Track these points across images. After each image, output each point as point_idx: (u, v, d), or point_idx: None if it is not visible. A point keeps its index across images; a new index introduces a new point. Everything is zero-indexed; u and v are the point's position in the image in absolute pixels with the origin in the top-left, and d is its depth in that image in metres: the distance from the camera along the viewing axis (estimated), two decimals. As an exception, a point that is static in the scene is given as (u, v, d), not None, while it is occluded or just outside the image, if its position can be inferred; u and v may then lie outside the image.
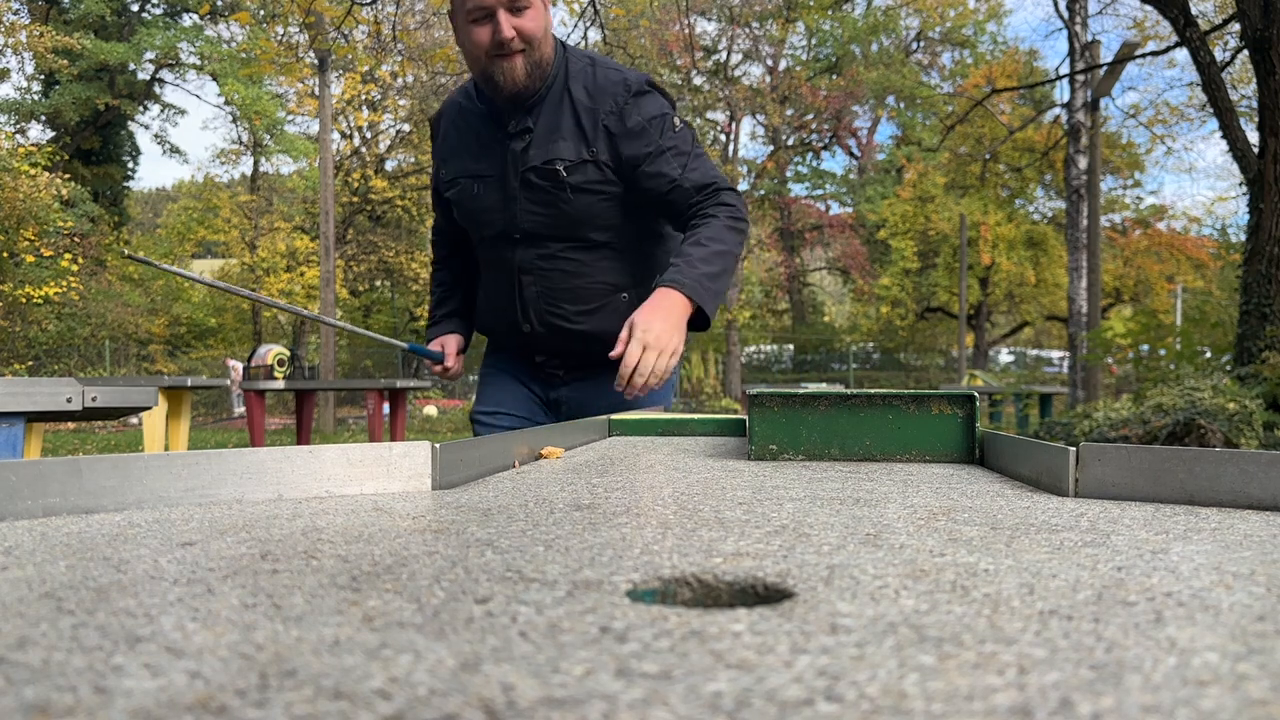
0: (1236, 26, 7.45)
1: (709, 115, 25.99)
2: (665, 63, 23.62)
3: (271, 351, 6.56)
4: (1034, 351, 30.75)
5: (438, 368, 1.99)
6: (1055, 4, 12.24)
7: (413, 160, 22.59)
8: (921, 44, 27.45)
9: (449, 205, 1.96)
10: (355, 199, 21.35)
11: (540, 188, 1.77)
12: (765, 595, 0.43)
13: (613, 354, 1.62)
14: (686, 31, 19.98)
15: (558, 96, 1.78)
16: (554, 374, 1.96)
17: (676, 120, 1.80)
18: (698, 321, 1.71)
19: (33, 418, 2.25)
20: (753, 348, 28.22)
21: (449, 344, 2.02)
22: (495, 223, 1.83)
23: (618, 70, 1.82)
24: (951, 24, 26.21)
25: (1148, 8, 11.92)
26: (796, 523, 0.62)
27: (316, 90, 14.09)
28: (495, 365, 2.05)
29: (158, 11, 22.13)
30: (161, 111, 23.38)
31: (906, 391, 1.12)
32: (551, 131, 1.76)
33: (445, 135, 1.92)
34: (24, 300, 16.78)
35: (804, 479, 0.89)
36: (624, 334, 1.62)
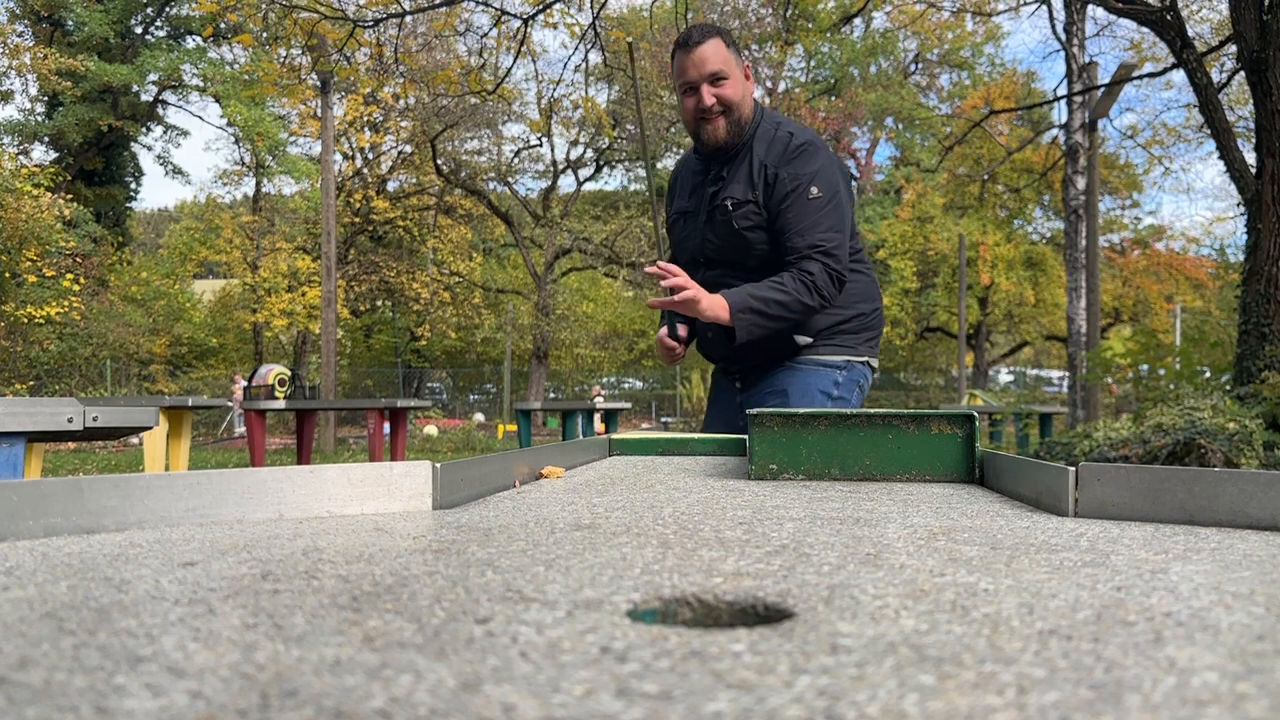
0: (1233, 48, 7.50)
1: (709, 136, 26.07)
2: (665, 85, 23.75)
3: (272, 371, 6.57)
4: (1033, 371, 30.75)
5: (678, 348, 2.35)
6: (1053, 26, 12.33)
7: (414, 181, 22.66)
8: (920, 66, 27.64)
9: None
10: (357, 219, 21.42)
11: (717, 221, 2.22)
12: (765, 615, 0.43)
13: (666, 283, 2.08)
14: (686, 53, 20.06)
15: (746, 150, 2.21)
16: (734, 376, 2.38)
17: (814, 189, 2.15)
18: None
19: (34, 437, 2.25)
20: (753, 367, 28.17)
21: (683, 330, 2.38)
22: (688, 249, 2.33)
23: (791, 132, 2.21)
24: (949, 46, 26.39)
25: (1145, 30, 12.03)
26: (796, 542, 0.62)
27: (319, 112, 14.16)
28: (714, 384, 2.53)
29: (161, 34, 22.29)
30: (164, 133, 23.51)
31: (906, 411, 1.12)
32: (735, 178, 2.21)
33: (672, 183, 2.43)
34: (25, 320, 16.80)
35: (804, 499, 0.89)
36: (689, 287, 2.07)
